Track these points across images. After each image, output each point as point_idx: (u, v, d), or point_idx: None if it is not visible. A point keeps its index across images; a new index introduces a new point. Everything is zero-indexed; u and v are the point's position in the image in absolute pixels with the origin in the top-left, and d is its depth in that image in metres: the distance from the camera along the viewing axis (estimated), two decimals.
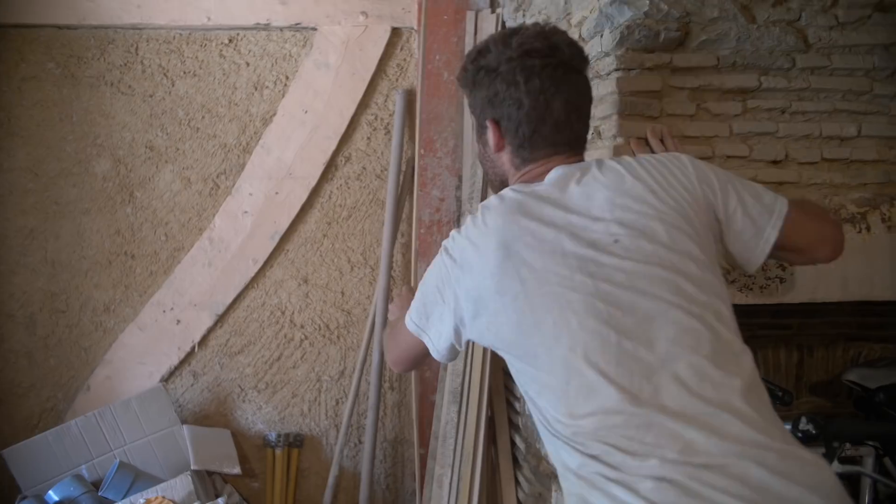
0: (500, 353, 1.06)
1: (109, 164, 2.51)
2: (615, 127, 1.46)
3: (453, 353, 1.14)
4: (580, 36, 1.61)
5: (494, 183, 1.21)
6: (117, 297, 2.55)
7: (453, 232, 1.09)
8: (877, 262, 1.57)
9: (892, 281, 1.57)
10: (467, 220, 1.08)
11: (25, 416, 2.52)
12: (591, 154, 1.58)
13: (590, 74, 1.53)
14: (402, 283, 1.27)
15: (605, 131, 1.51)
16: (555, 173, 1.07)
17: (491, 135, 1.12)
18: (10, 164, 2.48)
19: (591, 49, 1.56)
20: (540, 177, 1.10)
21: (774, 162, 1.56)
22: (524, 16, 2.14)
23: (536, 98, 1.08)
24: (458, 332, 1.08)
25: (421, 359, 1.21)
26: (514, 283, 0.98)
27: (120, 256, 2.54)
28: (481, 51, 1.13)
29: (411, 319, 1.16)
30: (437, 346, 1.12)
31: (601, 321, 0.93)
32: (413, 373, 2.47)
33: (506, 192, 1.08)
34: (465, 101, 1.25)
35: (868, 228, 1.58)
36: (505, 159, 1.14)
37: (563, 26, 1.74)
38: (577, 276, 0.96)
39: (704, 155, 1.48)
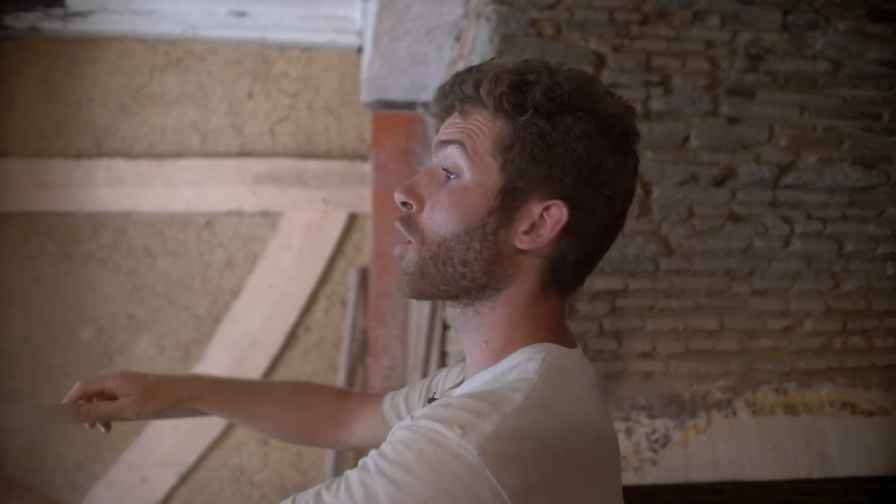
0: None
1: (93, 333, 2.77)
2: None
3: None
4: None
5: (433, 274, 0.73)
6: (90, 456, 2.73)
7: None
8: (745, 444, 1.73)
9: (760, 461, 1.72)
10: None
11: None
12: None
13: None
14: None
15: None
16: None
17: (551, 217, 0.70)
18: (4, 332, 2.75)
19: None
20: (570, 338, 0.78)
21: (643, 354, 1.76)
22: None
23: (627, 202, 0.74)
24: None
25: None
26: None
27: None
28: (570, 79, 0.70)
29: None
30: None
31: None
32: None
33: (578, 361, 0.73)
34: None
35: (734, 413, 1.75)
36: (532, 266, 0.73)
37: None
38: None
39: None
